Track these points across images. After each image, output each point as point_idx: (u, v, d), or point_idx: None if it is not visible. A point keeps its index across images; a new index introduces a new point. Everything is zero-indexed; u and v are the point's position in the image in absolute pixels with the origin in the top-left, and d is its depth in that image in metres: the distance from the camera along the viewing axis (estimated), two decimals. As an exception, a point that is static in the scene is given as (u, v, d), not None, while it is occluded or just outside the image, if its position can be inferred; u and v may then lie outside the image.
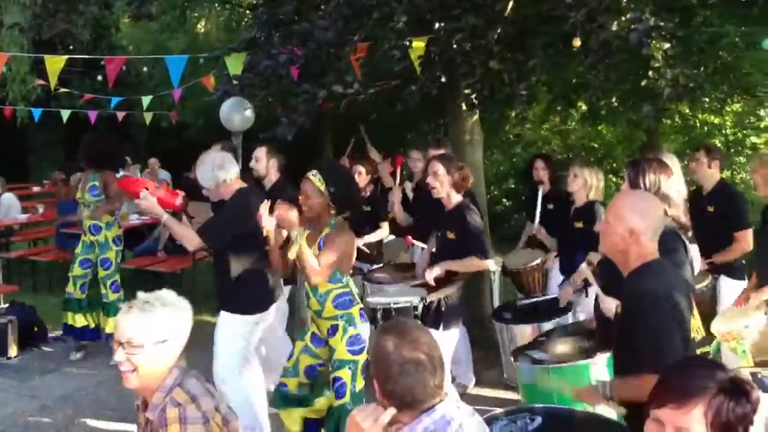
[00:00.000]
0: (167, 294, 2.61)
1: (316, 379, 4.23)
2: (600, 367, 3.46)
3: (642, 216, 2.69)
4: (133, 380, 2.49)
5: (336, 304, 4.02)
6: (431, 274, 4.67)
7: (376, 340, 2.15)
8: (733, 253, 5.07)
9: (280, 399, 4.21)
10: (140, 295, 2.61)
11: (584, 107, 10.36)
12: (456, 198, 4.81)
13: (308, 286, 4.09)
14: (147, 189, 4.44)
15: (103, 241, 6.32)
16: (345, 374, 3.97)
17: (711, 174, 5.30)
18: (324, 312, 4.04)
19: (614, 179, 11.26)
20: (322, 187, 3.98)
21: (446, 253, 4.83)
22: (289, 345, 5.41)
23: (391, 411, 2.10)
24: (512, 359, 4.14)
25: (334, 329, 4.03)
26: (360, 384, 3.99)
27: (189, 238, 4.42)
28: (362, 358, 3.99)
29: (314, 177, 4.00)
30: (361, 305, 4.15)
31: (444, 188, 4.76)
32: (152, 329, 2.47)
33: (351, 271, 4.20)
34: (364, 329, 4.05)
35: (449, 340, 4.70)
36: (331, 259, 3.97)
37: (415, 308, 4.54)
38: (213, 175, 4.49)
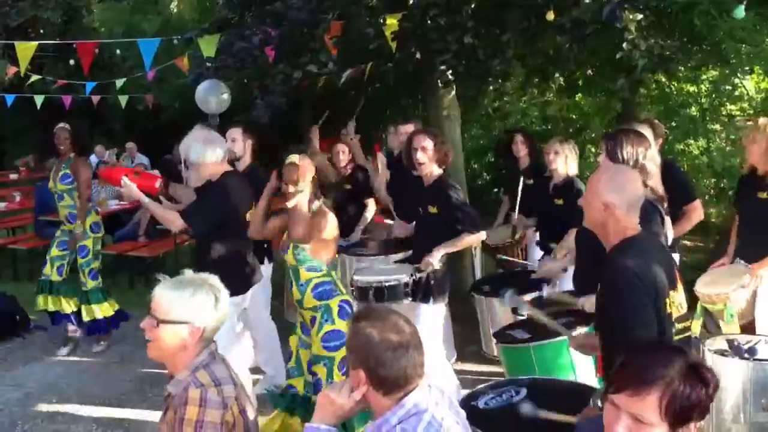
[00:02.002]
0: (210, 279, 2.60)
1: None
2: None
3: (616, 190, 2.71)
4: (151, 350, 2.54)
5: (315, 294, 3.89)
6: (434, 259, 4.60)
7: (357, 329, 2.17)
8: (689, 225, 5.00)
9: (290, 400, 4.00)
10: (188, 272, 2.63)
11: (561, 79, 10.37)
12: (436, 172, 4.78)
13: (291, 275, 4.00)
14: (126, 176, 4.45)
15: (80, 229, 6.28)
16: (320, 370, 3.83)
17: None
18: (304, 302, 3.93)
19: (593, 149, 11.31)
20: None
21: (430, 227, 4.82)
22: (274, 326, 5.44)
23: (363, 389, 2.15)
24: (494, 340, 4.19)
25: (313, 321, 3.90)
26: (338, 379, 3.78)
27: (171, 220, 4.38)
28: (339, 354, 3.79)
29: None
30: (344, 297, 3.95)
31: (431, 163, 4.73)
32: (176, 307, 2.49)
33: (333, 259, 4.09)
34: (343, 325, 3.83)
35: (439, 314, 4.74)
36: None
37: (406, 285, 4.56)
38: (200, 151, 4.40)
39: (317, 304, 3.89)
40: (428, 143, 4.70)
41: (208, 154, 4.41)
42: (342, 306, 3.89)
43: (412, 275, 4.61)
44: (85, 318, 6.29)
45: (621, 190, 2.71)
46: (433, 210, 4.76)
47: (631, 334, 2.51)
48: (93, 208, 6.39)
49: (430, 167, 4.74)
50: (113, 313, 6.40)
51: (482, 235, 4.77)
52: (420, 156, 4.70)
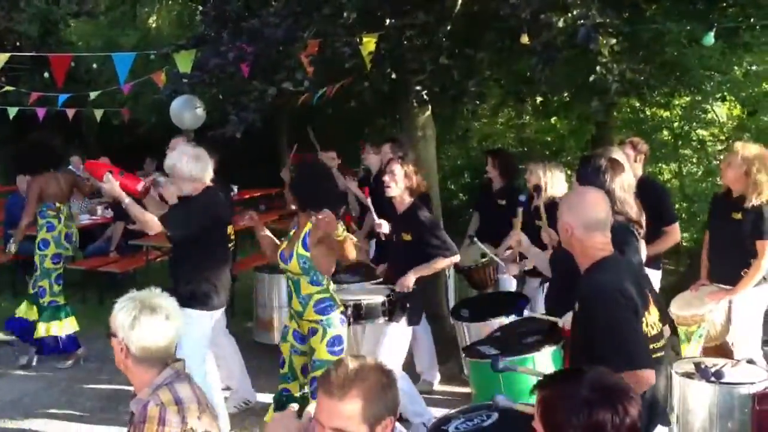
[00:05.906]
0: (150, 299, 2.58)
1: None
2: (545, 360, 3.52)
3: (571, 211, 2.76)
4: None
5: (317, 309, 4.03)
6: (409, 282, 4.70)
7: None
8: (665, 246, 5.09)
9: (287, 402, 4.02)
10: (154, 290, 2.66)
11: (537, 101, 10.48)
12: (407, 200, 4.88)
13: (292, 285, 4.09)
14: (111, 172, 4.46)
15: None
16: None
17: (635, 168, 5.28)
18: (305, 314, 4.07)
19: (569, 172, 11.39)
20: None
21: (404, 254, 4.89)
22: (232, 340, 5.39)
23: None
24: (463, 355, 4.19)
25: (313, 331, 4.04)
26: None
27: (149, 223, 4.40)
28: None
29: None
30: (341, 309, 4.15)
31: (398, 188, 4.81)
32: (112, 318, 2.54)
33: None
34: (344, 331, 4.08)
35: (406, 335, 4.82)
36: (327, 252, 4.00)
37: (383, 304, 4.64)
38: (189, 166, 4.44)
39: (318, 318, 4.03)
40: (397, 168, 4.80)
41: (195, 169, 4.45)
42: (341, 318, 4.11)
43: (389, 296, 4.69)
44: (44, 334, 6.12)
45: (575, 211, 2.75)
46: (406, 237, 4.86)
47: (627, 350, 2.52)
48: (46, 225, 6.12)
49: (397, 192, 4.82)
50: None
51: (456, 258, 4.85)
52: (387, 178, 4.81)
